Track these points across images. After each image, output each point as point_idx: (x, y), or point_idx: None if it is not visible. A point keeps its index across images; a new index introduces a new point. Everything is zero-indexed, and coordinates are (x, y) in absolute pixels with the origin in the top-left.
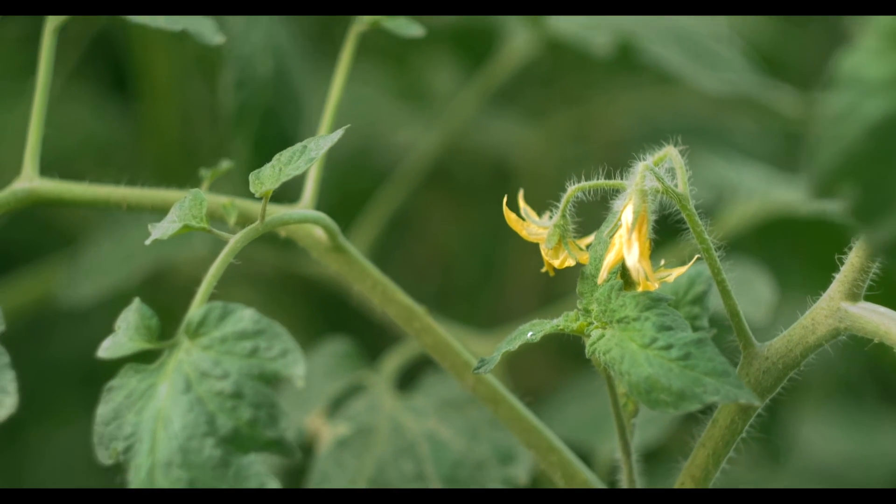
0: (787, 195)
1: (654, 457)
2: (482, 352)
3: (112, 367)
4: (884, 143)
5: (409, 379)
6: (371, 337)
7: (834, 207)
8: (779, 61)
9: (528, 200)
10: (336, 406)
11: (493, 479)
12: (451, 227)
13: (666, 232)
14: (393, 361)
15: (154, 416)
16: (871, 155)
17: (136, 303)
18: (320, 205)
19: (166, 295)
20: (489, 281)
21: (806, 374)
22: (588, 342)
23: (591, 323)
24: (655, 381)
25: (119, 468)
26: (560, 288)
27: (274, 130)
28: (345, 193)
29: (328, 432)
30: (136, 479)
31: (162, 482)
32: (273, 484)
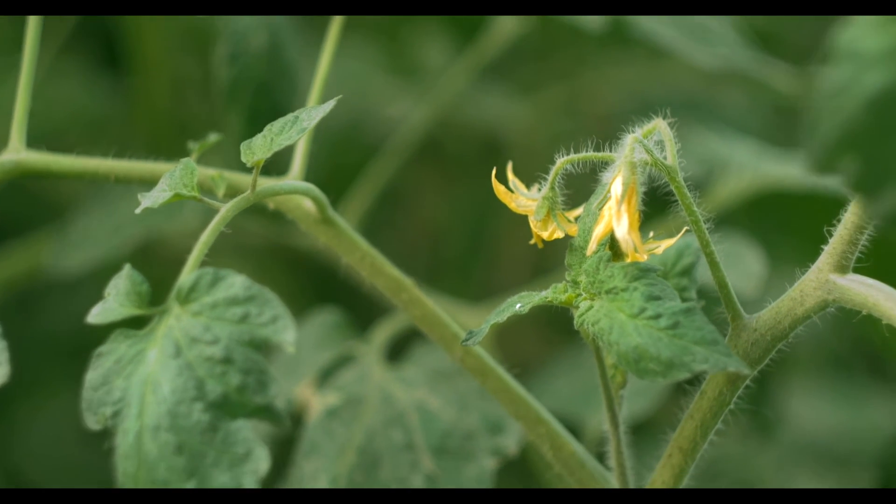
0: (779, 169)
1: (643, 428)
2: (472, 324)
3: (102, 340)
4: (883, 115)
5: (398, 350)
6: (361, 308)
7: (828, 181)
8: (771, 36)
9: (518, 174)
10: (326, 376)
11: (483, 450)
12: (442, 201)
13: (655, 204)
14: (383, 332)
15: (143, 381)
16: (871, 127)
17: (127, 269)
18: (311, 178)
19: (157, 267)
20: (479, 254)
21: (795, 347)
22: (577, 313)
23: (579, 294)
24: (644, 350)
25: (107, 435)
26: (550, 260)
27: (267, 104)
28: (335, 167)
29: (318, 402)
30: (124, 443)
31: (150, 446)
32: (260, 450)
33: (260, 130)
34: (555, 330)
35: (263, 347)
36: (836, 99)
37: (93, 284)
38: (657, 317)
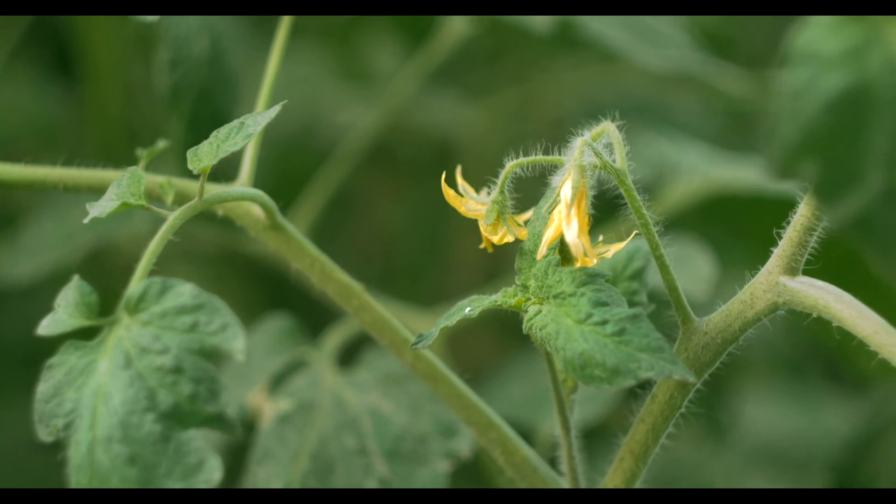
0: (729, 173)
1: (596, 433)
2: (423, 329)
3: (57, 348)
4: (843, 117)
5: (350, 355)
6: (314, 314)
7: (778, 184)
8: (723, 39)
9: (471, 179)
10: (278, 382)
11: (436, 453)
12: (394, 206)
13: (604, 208)
14: (334, 338)
15: (94, 392)
16: (831, 130)
17: (76, 280)
18: (260, 184)
19: (109, 274)
20: (432, 259)
21: (750, 352)
22: (525, 318)
23: (528, 299)
24: (590, 356)
25: (57, 446)
26: (504, 265)
27: (208, 110)
28: (286, 172)
29: (270, 408)
30: (77, 454)
31: (102, 458)
32: (213, 459)
33: (201, 137)
34: (509, 335)
35: (214, 356)
36: (795, 102)
37: (46, 292)
38: (603, 323)
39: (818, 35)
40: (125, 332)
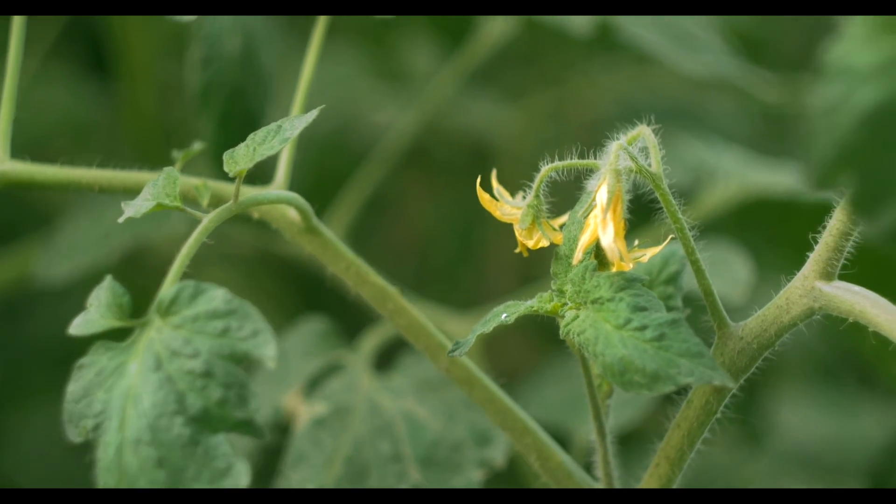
0: (766, 178)
1: (631, 438)
2: (459, 332)
3: (87, 349)
4: (878, 131)
5: (386, 359)
6: (349, 316)
7: (817, 193)
8: (757, 41)
9: (505, 181)
10: (313, 385)
11: (470, 461)
12: (430, 208)
13: (640, 212)
14: (370, 341)
15: (124, 394)
16: (867, 144)
17: (108, 280)
18: (296, 186)
19: (144, 275)
20: (467, 261)
21: (785, 356)
22: (562, 323)
23: (565, 304)
24: (630, 362)
25: (89, 446)
26: (539, 268)
27: (240, 109)
28: (322, 174)
29: (305, 411)
30: (105, 456)
31: (131, 460)
32: (241, 464)
33: (232, 136)
34: (544, 338)
35: (244, 361)
36: (830, 116)
37: (81, 293)
38: (643, 328)
39: (852, 48)
40: (156, 334)
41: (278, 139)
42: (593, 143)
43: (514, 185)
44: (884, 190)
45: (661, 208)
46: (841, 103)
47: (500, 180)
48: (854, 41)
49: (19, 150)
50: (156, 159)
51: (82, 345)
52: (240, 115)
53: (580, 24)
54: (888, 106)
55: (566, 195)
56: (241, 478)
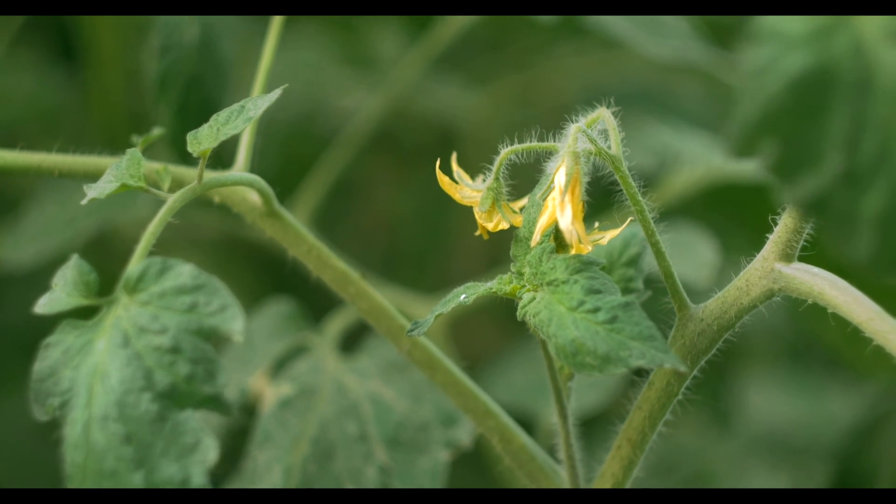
0: (731, 162)
1: (595, 421)
2: (425, 315)
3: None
4: (804, 97)
5: (352, 341)
6: (317, 299)
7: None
8: (724, 25)
9: (473, 165)
10: (279, 367)
11: (437, 441)
12: (397, 192)
13: (602, 195)
14: (337, 323)
15: (91, 371)
16: (792, 109)
17: (75, 258)
18: (262, 171)
19: (110, 259)
20: (435, 245)
21: (752, 339)
22: (520, 305)
23: (523, 286)
24: (581, 343)
25: (57, 428)
26: (506, 252)
27: (198, 97)
28: (288, 159)
29: (271, 393)
30: (72, 433)
31: (98, 436)
32: (209, 440)
33: (191, 124)
34: (512, 322)
35: (212, 337)
36: (757, 80)
37: (48, 277)
38: (595, 310)
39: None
40: (124, 311)
41: (242, 118)
42: (560, 126)
43: (481, 169)
44: (805, 157)
45: (621, 191)
46: (769, 67)
47: (468, 164)
48: None
49: None
50: (123, 146)
51: (48, 330)
52: (198, 103)
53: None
54: (815, 72)
55: (528, 178)
56: (209, 453)
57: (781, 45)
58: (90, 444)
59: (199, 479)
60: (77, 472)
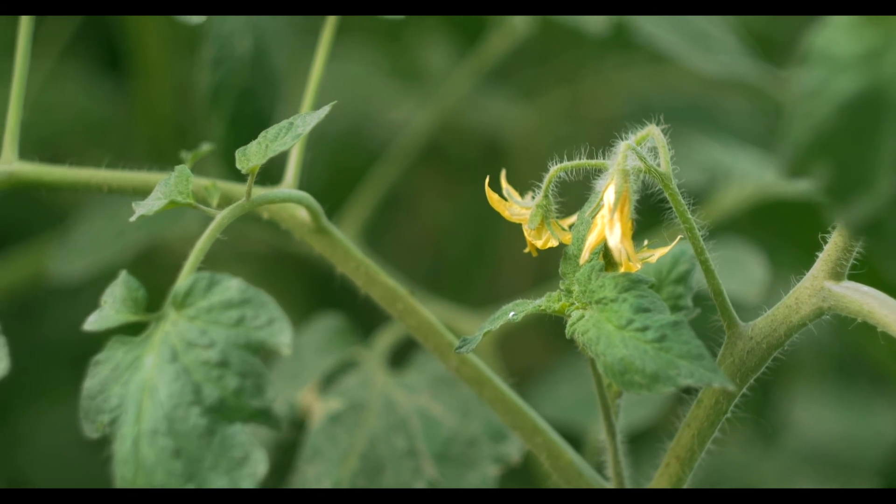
0: (780, 178)
1: (642, 438)
2: (472, 331)
3: (104, 346)
4: (855, 119)
5: (401, 356)
6: (364, 314)
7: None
8: (771, 40)
9: (520, 179)
10: (328, 382)
11: (485, 457)
12: (444, 206)
13: (650, 213)
14: (386, 338)
15: (140, 387)
16: (843, 132)
17: (123, 275)
18: (310, 185)
19: (159, 273)
20: (481, 260)
21: (798, 354)
22: (568, 323)
23: (572, 304)
24: (630, 362)
25: (104, 443)
26: (553, 267)
27: (250, 110)
28: (336, 173)
29: (320, 407)
30: (122, 449)
31: (147, 451)
32: (258, 453)
33: (243, 137)
34: (560, 338)
35: (260, 351)
36: (808, 102)
37: (95, 291)
38: (644, 329)
39: (835, 37)
40: (172, 326)
41: (290, 135)
42: (607, 141)
43: (528, 184)
44: (858, 179)
45: (670, 208)
46: (820, 90)
47: (515, 179)
48: (837, 30)
49: (34, 147)
50: (170, 158)
51: (96, 343)
52: (250, 115)
53: (595, 23)
54: (867, 95)
55: (576, 195)
56: (258, 466)
57: (832, 67)
58: (140, 459)
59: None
60: (127, 488)
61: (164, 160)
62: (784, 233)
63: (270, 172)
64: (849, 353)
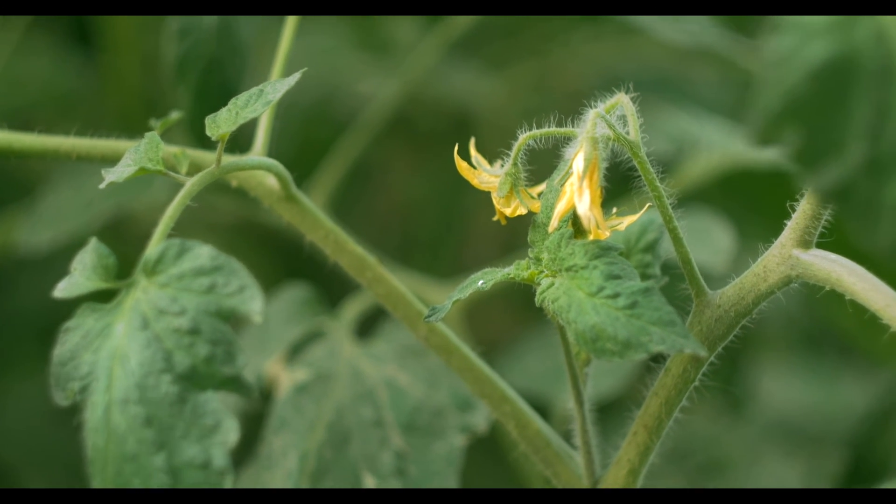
0: (749, 148)
1: (610, 407)
2: (440, 301)
3: (72, 314)
4: (826, 86)
5: (369, 326)
6: (333, 284)
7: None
8: None
9: (489, 150)
10: (295, 352)
11: (452, 426)
12: (413, 177)
13: (619, 181)
14: (353, 308)
15: (111, 355)
16: (814, 98)
17: (93, 242)
18: (279, 156)
19: (127, 243)
20: (451, 232)
21: (767, 326)
22: (538, 290)
23: (541, 272)
24: (601, 329)
25: (75, 414)
26: (523, 238)
27: (217, 80)
28: (305, 144)
29: (287, 378)
30: (93, 417)
31: (119, 419)
32: (230, 421)
33: (209, 107)
34: (528, 307)
35: (231, 318)
36: (779, 69)
37: (64, 261)
38: (615, 296)
39: None
40: (142, 294)
41: (261, 102)
42: (576, 112)
43: (497, 155)
44: (828, 145)
45: (639, 176)
46: (791, 56)
47: (484, 150)
48: None
49: (2, 119)
50: (139, 130)
51: (66, 315)
52: (217, 86)
53: None
54: (838, 61)
55: (546, 163)
56: (230, 434)
57: (803, 34)
58: (111, 427)
59: (220, 460)
60: (98, 456)
61: (134, 132)
62: (752, 203)
63: (239, 142)
64: (818, 326)
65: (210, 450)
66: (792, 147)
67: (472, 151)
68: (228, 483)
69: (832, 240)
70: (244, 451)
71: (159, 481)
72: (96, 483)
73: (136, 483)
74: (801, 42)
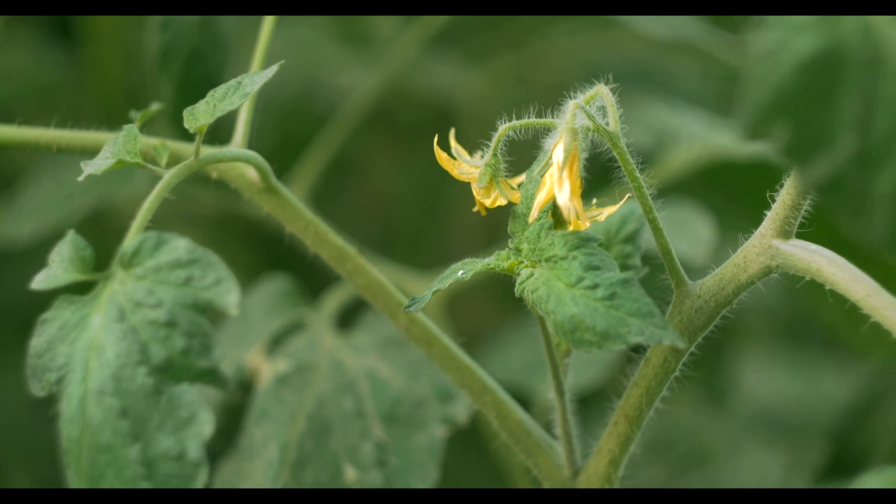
0: (729, 140)
1: (592, 397)
2: (422, 293)
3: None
4: (814, 79)
5: (350, 317)
6: (314, 276)
7: (768, 148)
8: None
9: (470, 143)
10: (276, 343)
11: (434, 417)
12: (395, 170)
13: (599, 172)
14: (333, 300)
15: (87, 346)
16: (802, 92)
17: (71, 234)
18: (259, 148)
19: (107, 235)
20: (433, 222)
21: (749, 317)
22: (518, 281)
23: (521, 262)
24: (580, 320)
25: (53, 404)
26: (503, 232)
27: (199, 72)
28: (285, 137)
29: (268, 369)
30: (69, 408)
31: (94, 411)
32: (205, 413)
33: (191, 99)
34: (509, 299)
35: (207, 311)
36: (767, 63)
37: (45, 253)
38: (594, 287)
39: None
40: (119, 286)
41: (238, 94)
42: (556, 104)
43: (478, 146)
44: (817, 138)
45: (619, 168)
46: (778, 50)
47: (466, 142)
48: None
49: None
50: (120, 122)
51: (46, 306)
52: (199, 77)
53: None
54: (825, 54)
55: (526, 154)
56: (205, 426)
57: (790, 27)
58: (86, 418)
59: (195, 452)
60: (73, 447)
61: (115, 124)
62: (733, 195)
63: (219, 134)
64: (800, 318)
65: (185, 441)
66: (782, 140)
67: (452, 142)
68: (203, 475)
69: (812, 230)
70: (225, 443)
71: (134, 472)
72: (70, 473)
73: (111, 474)
74: (788, 36)
